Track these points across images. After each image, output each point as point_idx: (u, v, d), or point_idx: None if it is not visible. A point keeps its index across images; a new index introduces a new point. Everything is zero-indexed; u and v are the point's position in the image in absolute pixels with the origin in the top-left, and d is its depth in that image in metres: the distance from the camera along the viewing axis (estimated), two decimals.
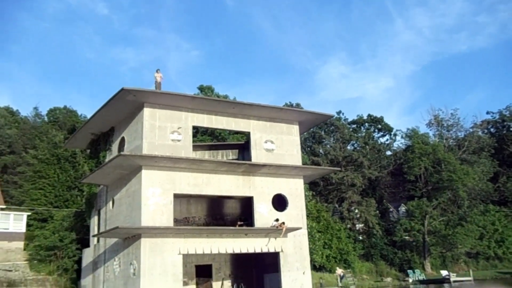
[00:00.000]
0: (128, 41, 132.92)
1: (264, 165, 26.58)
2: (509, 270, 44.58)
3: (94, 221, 29.81)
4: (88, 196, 30.77)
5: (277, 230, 25.95)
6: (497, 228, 46.64)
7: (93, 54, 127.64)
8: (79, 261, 31.14)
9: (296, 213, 27.87)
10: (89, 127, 28.62)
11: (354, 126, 55.76)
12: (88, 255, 29.81)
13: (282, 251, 26.73)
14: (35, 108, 56.77)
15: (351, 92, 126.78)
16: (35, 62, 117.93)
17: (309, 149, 53.84)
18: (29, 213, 36.05)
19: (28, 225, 35.49)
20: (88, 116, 51.79)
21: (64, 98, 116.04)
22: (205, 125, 27.75)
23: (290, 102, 54.29)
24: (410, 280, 37.74)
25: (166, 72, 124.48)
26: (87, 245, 30.64)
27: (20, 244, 33.70)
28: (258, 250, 26.25)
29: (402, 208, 53.09)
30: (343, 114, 55.11)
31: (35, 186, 39.40)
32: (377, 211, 47.70)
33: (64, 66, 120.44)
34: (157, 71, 27.36)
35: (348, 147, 53.26)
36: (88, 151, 34.75)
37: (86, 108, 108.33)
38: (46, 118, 55.52)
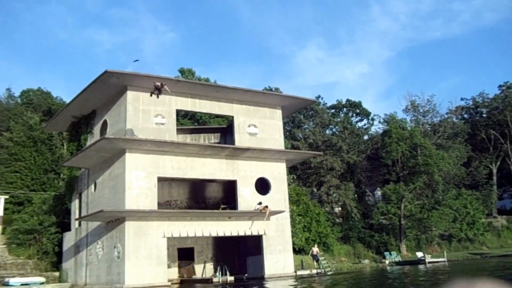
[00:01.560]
0: (102, 22, 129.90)
1: (247, 149, 26.74)
2: (479, 251, 46.24)
3: (75, 204, 29.54)
4: (68, 179, 30.40)
5: (260, 214, 26.26)
6: (468, 211, 48.10)
7: (66, 35, 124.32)
8: (59, 245, 30.85)
9: (279, 196, 28.23)
10: (70, 110, 28.18)
11: (333, 110, 56.24)
12: (69, 239, 29.58)
13: (265, 234, 27.10)
14: (8, 89, 55.26)
15: (328, 77, 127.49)
16: (6, 43, 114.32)
17: (288, 133, 54.16)
18: (6, 197, 35.36)
19: (3, 208, 34.84)
20: (64, 98, 51.04)
21: (38, 79, 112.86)
22: (188, 109, 27.71)
23: (269, 87, 54.30)
24: (387, 262, 38.73)
25: (142, 54, 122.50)
26: (68, 229, 30.37)
27: None
28: (241, 233, 26.56)
29: (378, 192, 54.16)
30: (322, 99, 55.54)
31: (11, 169, 38.61)
32: (355, 195, 48.55)
33: (37, 47, 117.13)
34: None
35: (327, 132, 53.82)
36: (66, 133, 34.25)
37: (61, 90, 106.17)
38: (19, 100, 54.14)
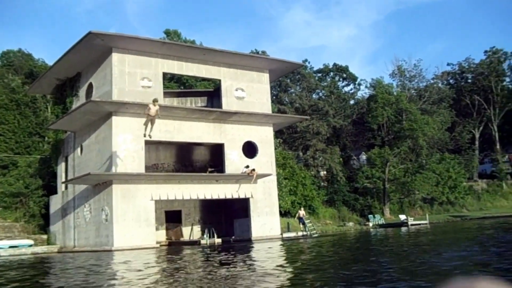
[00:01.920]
0: None
1: (235, 113, 26.68)
2: (460, 214, 47.57)
3: (61, 167, 29.39)
4: (54, 142, 30.12)
5: (248, 177, 26.47)
6: (451, 175, 49.09)
7: None
8: (46, 208, 30.86)
9: (266, 160, 28.41)
10: (54, 72, 27.62)
11: (320, 75, 56.08)
12: (56, 202, 29.57)
13: (252, 197, 27.42)
14: None
15: (314, 40, 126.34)
16: None
17: (275, 97, 54.00)
18: None
19: None
20: (46, 61, 49.92)
21: (18, 41, 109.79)
22: (175, 72, 27.36)
23: (255, 50, 53.70)
24: (371, 225, 39.62)
25: (124, 15, 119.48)
26: (54, 192, 30.32)
27: None
28: (228, 196, 26.82)
29: (363, 156, 54.81)
30: (309, 63, 55.24)
31: None
32: (341, 159, 49.11)
33: (16, 7, 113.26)
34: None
35: (314, 96, 53.79)
36: (50, 96, 33.61)
37: (42, 52, 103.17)
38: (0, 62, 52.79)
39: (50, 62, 43.16)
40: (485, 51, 60.50)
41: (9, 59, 52.47)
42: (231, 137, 27.39)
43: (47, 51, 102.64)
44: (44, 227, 30.72)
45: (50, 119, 40.73)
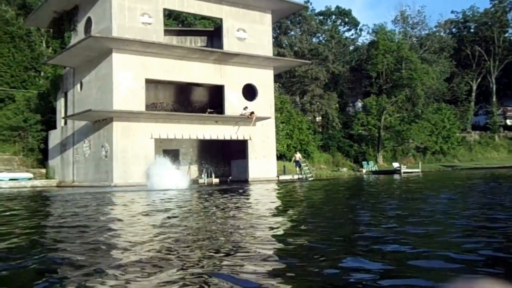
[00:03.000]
0: None
1: (237, 54, 26.40)
2: (451, 164, 48.56)
3: (60, 103, 29.31)
4: (53, 77, 29.83)
5: (247, 119, 26.63)
6: (445, 125, 49.62)
7: None
8: (45, 142, 31.06)
9: (265, 103, 28.47)
10: (51, 4, 26.87)
11: (321, 17, 54.96)
12: (55, 137, 29.73)
13: (250, 139, 27.70)
14: None
15: None
16: None
17: (274, 40, 53.11)
18: None
19: None
20: None
21: None
22: (176, 8, 26.77)
23: None
24: (364, 171, 40.43)
25: None
26: (53, 127, 30.41)
27: None
28: (227, 138, 27.09)
29: (359, 104, 54.91)
30: (311, 4, 53.93)
31: None
32: (337, 105, 49.23)
33: None
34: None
35: (314, 40, 52.99)
36: (44, 30, 32.85)
37: None
38: None
39: None
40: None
41: None
42: (231, 79, 27.25)
43: None
44: (43, 161, 31.07)
45: (45, 53, 40.07)
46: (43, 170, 30.42)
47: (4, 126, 30.94)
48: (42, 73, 40.13)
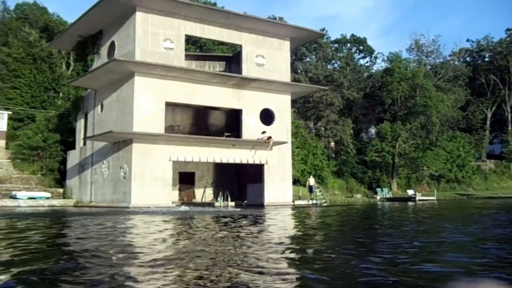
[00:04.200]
0: None
1: (255, 80, 26.79)
2: (466, 192, 48.09)
3: (80, 124, 29.82)
4: (74, 99, 30.48)
5: (264, 144, 26.82)
6: (460, 154, 49.37)
7: None
8: (63, 162, 31.48)
9: (282, 128, 28.70)
10: (77, 28, 27.65)
11: (336, 45, 55.58)
12: (73, 157, 30.14)
13: (266, 163, 27.84)
14: (3, 2, 53.27)
15: (328, 8, 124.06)
16: None
17: (290, 65, 53.79)
18: (10, 112, 35.53)
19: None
20: (61, 15, 49.69)
21: None
22: (197, 35, 27.35)
23: (273, 15, 53.22)
24: (378, 198, 40.21)
25: None
26: (71, 147, 30.87)
27: (2, 143, 33.58)
28: (244, 161, 27.26)
29: (372, 130, 54.98)
30: (326, 31, 54.60)
31: (10, 85, 38.47)
32: (351, 131, 49.35)
33: None
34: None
35: (329, 67, 53.51)
36: (64, 53, 33.63)
37: (57, 7, 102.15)
38: (14, 15, 52.48)
39: (65, 17, 43.11)
40: (507, 29, 59.51)
41: (24, 12, 52.17)
42: (248, 103, 27.58)
43: (62, 6, 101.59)
44: (60, 181, 31.43)
45: (65, 75, 40.99)
46: (61, 190, 30.74)
47: (24, 146, 31.48)
48: (61, 94, 41.02)
